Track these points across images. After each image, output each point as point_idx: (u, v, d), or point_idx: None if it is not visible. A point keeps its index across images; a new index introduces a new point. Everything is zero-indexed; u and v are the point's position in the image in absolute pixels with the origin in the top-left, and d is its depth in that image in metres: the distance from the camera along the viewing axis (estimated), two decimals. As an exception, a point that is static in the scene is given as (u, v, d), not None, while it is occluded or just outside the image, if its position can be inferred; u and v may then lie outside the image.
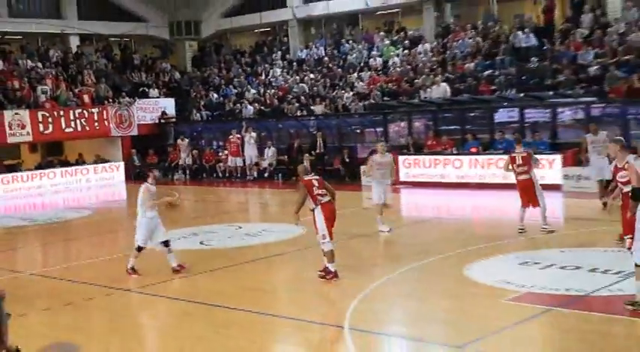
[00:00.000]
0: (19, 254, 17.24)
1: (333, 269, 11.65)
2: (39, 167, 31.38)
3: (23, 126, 29.04)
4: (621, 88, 22.50)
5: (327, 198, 11.81)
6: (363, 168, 25.49)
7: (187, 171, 31.29)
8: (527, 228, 14.38)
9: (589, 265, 11.55)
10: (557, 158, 20.78)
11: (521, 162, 14.34)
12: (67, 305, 11.40)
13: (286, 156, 28.29)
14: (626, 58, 23.53)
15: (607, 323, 9.07)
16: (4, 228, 20.97)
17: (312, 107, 30.08)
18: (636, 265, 8.87)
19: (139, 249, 12.96)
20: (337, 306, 10.25)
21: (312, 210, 11.79)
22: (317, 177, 12.29)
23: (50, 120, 29.90)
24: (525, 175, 14.52)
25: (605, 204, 14.63)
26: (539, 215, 14.38)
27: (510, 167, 14.97)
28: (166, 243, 12.95)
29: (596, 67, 23.86)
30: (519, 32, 27.40)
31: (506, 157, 15.67)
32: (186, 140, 31.79)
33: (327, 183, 12.31)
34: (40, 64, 32.98)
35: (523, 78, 25.47)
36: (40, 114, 29.65)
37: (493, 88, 25.71)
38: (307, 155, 26.15)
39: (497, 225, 17.23)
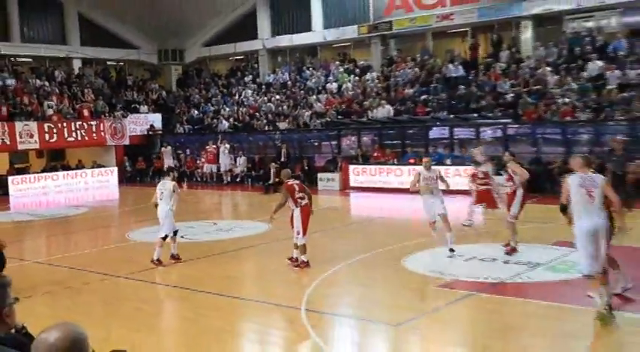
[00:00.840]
0: (25, 244, 16.96)
1: (305, 259, 11.70)
2: (44, 170, 31.04)
3: (31, 136, 28.71)
4: (531, 112, 22.92)
5: (305, 201, 11.75)
6: (320, 175, 25.64)
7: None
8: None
9: (503, 257, 11.77)
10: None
11: (482, 176, 13.25)
12: (66, 289, 11.28)
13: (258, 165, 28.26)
14: (535, 87, 23.95)
15: (520, 305, 9.24)
16: (14, 222, 20.64)
17: (277, 123, 30.06)
18: (584, 275, 8.32)
19: (165, 237, 12.64)
20: (296, 291, 10.28)
21: (292, 211, 11.75)
22: (298, 182, 12.22)
23: (55, 130, 29.59)
24: (487, 186, 14.45)
25: None
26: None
27: (472, 181, 14.91)
28: (175, 233, 12.82)
29: (511, 95, 24.20)
30: (450, 64, 27.71)
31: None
32: (170, 148, 31.56)
33: (305, 187, 12.27)
34: (47, 83, 32.54)
35: (452, 102, 25.70)
36: (46, 125, 29.31)
37: (428, 109, 25.94)
38: (273, 163, 26.13)
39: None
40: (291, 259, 12.00)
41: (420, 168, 13.05)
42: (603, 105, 21.64)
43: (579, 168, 8.35)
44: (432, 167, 13.02)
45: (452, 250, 12.14)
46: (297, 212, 11.68)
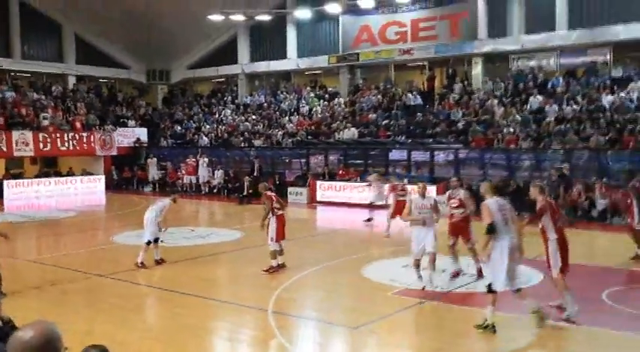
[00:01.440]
0: (17, 244, 16.56)
1: (275, 264, 11.66)
2: (37, 176, 30.48)
3: (27, 144, 28.16)
4: (480, 139, 23.21)
5: (281, 212, 11.82)
6: (290, 189, 25.59)
7: (156, 185, 30.75)
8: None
9: (452, 269, 11.82)
10: (434, 188, 21.19)
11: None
12: (53, 286, 11.08)
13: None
14: (484, 117, 24.28)
15: (466, 312, 9.27)
16: (7, 223, 20.12)
17: (253, 141, 29.96)
18: (488, 291, 8.24)
19: (149, 243, 12.58)
20: (264, 294, 10.19)
21: (269, 219, 11.74)
22: (274, 194, 12.31)
23: (49, 140, 29.04)
24: (403, 198, 14.62)
25: None
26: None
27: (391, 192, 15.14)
28: (156, 240, 12.74)
29: (463, 123, 24.49)
30: (409, 94, 27.96)
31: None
32: (155, 159, 31.26)
33: (280, 199, 12.36)
34: (43, 97, 32.06)
35: (411, 128, 25.91)
36: (41, 135, 28.77)
37: (389, 133, 26.10)
38: (247, 177, 26.00)
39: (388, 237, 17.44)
40: (270, 268, 11.77)
41: (413, 196, 11.08)
42: (543, 135, 22.02)
43: (488, 194, 8.57)
44: (428, 194, 10.92)
45: (424, 288, 10.23)
46: (273, 220, 11.68)
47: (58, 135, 29.54)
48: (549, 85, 24.59)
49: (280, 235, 11.76)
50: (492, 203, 8.41)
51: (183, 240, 15.94)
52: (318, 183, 24.72)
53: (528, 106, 23.86)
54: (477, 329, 8.11)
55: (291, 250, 14.28)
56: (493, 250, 8.14)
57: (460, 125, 24.42)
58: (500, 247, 8.11)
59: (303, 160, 27.44)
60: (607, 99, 22.29)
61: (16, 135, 27.87)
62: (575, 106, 22.62)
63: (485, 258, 8.32)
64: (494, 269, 8.19)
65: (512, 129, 22.64)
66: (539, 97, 23.81)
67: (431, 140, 24.37)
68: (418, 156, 24.35)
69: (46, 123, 29.84)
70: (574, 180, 18.93)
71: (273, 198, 11.88)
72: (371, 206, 19.09)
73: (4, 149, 27.54)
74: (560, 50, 25.78)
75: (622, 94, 22.21)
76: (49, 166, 32.06)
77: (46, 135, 29.03)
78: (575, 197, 18.58)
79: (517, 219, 8.51)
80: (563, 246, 8.68)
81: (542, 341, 8.02)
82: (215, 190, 28.39)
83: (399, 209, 14.16)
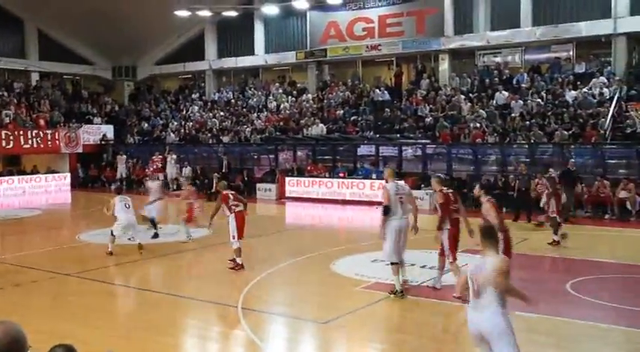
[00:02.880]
0: (-21, 244, 16.21)
1: (240, 262, 11.59)
2: (0, 174, 29.75)
3: (-12, 142, 27.56)
4: (447, 135, 23.41)
5: (240, 208, 11.69)
6: (258, 185, 25.48)
7: (124, 182, 30.28)
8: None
9: (421, 262, 11.88)
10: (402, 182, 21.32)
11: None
12: (16, 286, 10.79)
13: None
14: (451, 113, 24.49)
15: (431, 305, 9.35)
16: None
17: (221, 137, 29.75)
18: (391, 263, 9.47)
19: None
20: (233, 291, 10.13)
21: (227, 217, 11.63)
22: (233, 192, 12.17)
23: (12, 137, 28.42)
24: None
25: None
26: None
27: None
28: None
29: (430, 118, 24.67)
30: (377, 90, 28.07)
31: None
32: (124, 156, 30.80)
33: (240, 196, 12.29)
34: (5, 94, 31.31)
35: (379, 123, 25.99)
36: (3, 132, 28.10)
37: (357, 129, 26.16)
38: (216, 174, 25.78)
39: (357, 232, 17.52)
40: (232, 261, 11.83)
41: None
42: (508, 130, 22.31)
43: (390, 178, 9.77)
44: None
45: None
46: (231, 218, 11.59)
47: (21, 132, 28.92)
48: (514, 81, 24.92)
49: (240, 233, 11.65)
50: (391, 186, 9.51)
51: (150, 238, 15.70)
52: (287, 179, 24.68)
53: (494, 102, 24.14)
54: (390, 296, 9.42)
55: (260, 246, 14.24)
56: (387, 228, 9.34)
57: (427, 120, 24.58)
58: (391, 226, 9.34)
59: (272, 156, 27.34)
60: (570, 95, 22.69)
61: (-23, 133, 27.19)
62: (539, 101, 22.97)
63: (381, 235, 9.48)
64: (388, 246, 9.40)
65: (478, 125, 22.87)
66: (505, 93, 24.12)
67: (398, 135, 24.49)
68: (386, 151, 24.49)
69: (7, 120, 29.19)
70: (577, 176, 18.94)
71: (230, 196, 11.78)
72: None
73: (-35, 147, 26.85)
74: (524, 46, 26.19)
75: (584, 90, 22.64)
76: (12, 165, 31.35)
77: (8, 133, 28.40)
78: (594, 192, 18.64)
79: (414, 201, 9.92)
80: (455, 236, 9.60)
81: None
82: (183, 187, 28.04)
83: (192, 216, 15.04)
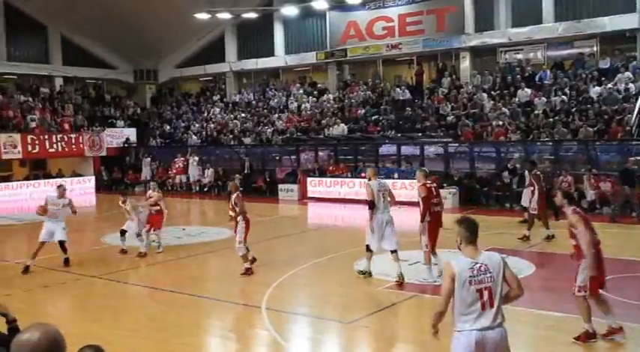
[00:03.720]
0: (7, 246, 16.49)
1: (249, 266, 11.31)
2: (26, 178, 30.30)
3: (15, 146, 27.94)
4: (469, 133, 23.24)
5: (248, 215, 11.39)
6: (280, 185, 25.57)
7: (147, 185, 30.61)
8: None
9: (442, 262, 11.82)
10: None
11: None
12: (44, 288, 10.97)
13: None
14: (472, 111, 24.32)
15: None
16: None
17: (242, 138, 29.87)
18: (391, 251, 10.37)
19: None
20: (257, 291, 10.16)
21: (238, 222, 11.27)
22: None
23: (37, 142, 28.86)
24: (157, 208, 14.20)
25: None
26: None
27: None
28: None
29: (451, 117, 24.52)
30: (398, 89, 27.95)
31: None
32: (149, 158, 31.11)
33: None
34: (30, 99, 31.82)
35: (400, 122, 25.88)
36: (29, 137, 28.56)
37: (378, 129, 26.08)
38: (237, 175, 25.92)
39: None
40: (247, 269, 11.39)
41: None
42: (531, 127, 22.07)
43: (373, 177, 10.65)
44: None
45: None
46: (242, 223, 11.23)
47: (46, 136, 29.35)
48: (537, 78, 24.65)
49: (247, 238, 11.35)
50: (374, 184, 10.48)
51: (174, 239, 15.83)
52: (309, 179, 24.69)
53: (517, 99, 23.90)
54: (359, 275, 10.70)
55: (282, 247, 14.28)
56: (374, 221, 10.31)
57: (449, 119, 24.42)
58: (376, 219, 10.32)
59: (294, 157, 27.38)
60: (594, 91, 22.38)
61: (3, 137, 27.66)
62: (563, 98, 22.69)
63: (369, 229, 10.39)
64: (371, 235, 10.40)
65: (500, 123, 22.66)
66: (528, 90, 23.87)
67: (420, 134, 24.37)
68: (407, 150, 24.38)
69: (33, 125, 29.65)
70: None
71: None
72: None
73: (-8, 152, 27.34)
74: (547, 43, 25.88)
75: (609, 85, 22.29)
76: (38, 168, 31.85)
77: (34, 137, 28.83)
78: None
79: (393, 195, 10.81)
80: (434, 227, 10.42)
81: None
82: (205, 189, 28.30)
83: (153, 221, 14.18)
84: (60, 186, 13.17)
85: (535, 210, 14.05)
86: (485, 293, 4.53)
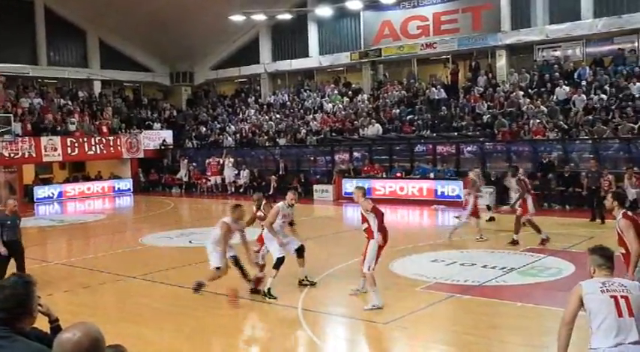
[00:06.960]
0: (48, 247, 16.85)
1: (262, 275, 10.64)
2: (67, 180, 31.01)
3: (55, 149, 28.63)
4: (506, 132, 22.93)
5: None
6: (315, 186, 25.61)
7: (183, 186, 31.06)
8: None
9: (481, 262, 11.72)
10: (460, 182, 21.03)
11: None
12: (84, 288, 11.18)
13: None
14: (509, 109, 24.00)
15: (496, 305, 9.18)
16: (38, 227, 20.48)
17: (277, 139, 30.02)
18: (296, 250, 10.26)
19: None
20: (293, 293, 10.18)
21: (263, 231, 11.04)
22: None
23: (76, 144, 29.51)
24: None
25: None
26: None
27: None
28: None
29: (488, 116, 24.24)
30: (433, 88, 27.75)
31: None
32: (186, 160, 31.52)
33: None
34: (70, 102, 32.54)
35: (435, 122, 25.70)
36: (68, 140, 29.22)
37: (413, 128, 25.94)
38: (273, 176, 26.06)
39: (415, 232, 17.36)
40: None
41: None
42: (570, 126, 21.67)
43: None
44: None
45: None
46: (266, 232, 10.78)
47: (85, 139, 29.99)
48: (576, 75, 24.18)
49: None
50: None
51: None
52: (344, 180, 24.67)
53: (555, 97, 23.50)
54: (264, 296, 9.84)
55: (318, 248, 14.27)
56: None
57: (485, 118, 24.16)
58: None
59: (328, 157, 27.41)
60: (635, 88, 21.85)
61: (44, 140, 28.36)
62: (602, 95, 22.22)
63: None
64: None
65: (538, 121, 22.30)
66: (566, 88, 23.44)
67: (456, 134, 24.14)
68: (443, 150, 24.19)
69: (73, 128, 30.29)
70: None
71: None
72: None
73: (34, 155, 28.03)
74: (585, 39, 25.36)
75: (651, 82, 21.74)
76: (77, 170, 32.53)
77: (73, 140, 29.47)
78: None
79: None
80: (382, 245, 9.68)
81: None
82: (241, 190, 28.51)
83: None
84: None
85: (521, 213, 13.68)
86: (622, 302, 4.19)
